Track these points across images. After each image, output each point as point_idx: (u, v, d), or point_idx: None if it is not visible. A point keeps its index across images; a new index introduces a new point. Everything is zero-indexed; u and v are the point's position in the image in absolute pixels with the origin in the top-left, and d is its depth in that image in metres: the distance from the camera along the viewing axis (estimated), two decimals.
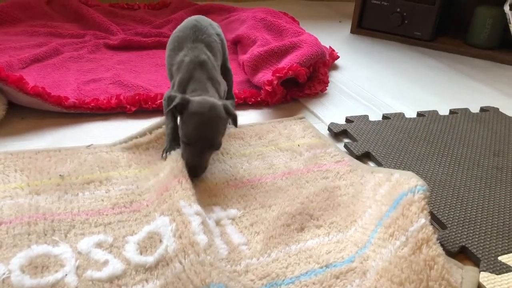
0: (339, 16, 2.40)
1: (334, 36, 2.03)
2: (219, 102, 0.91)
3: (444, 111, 1.38)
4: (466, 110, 1.39)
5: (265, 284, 0.71)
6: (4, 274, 0.69)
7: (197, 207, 0.80)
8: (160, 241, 0.77)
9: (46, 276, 0.70)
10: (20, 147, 1.03)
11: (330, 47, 1.72)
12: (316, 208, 0.87)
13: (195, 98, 0.91)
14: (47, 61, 1.44)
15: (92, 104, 1.18)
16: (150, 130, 1.06)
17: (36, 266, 0.71)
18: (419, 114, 1.34)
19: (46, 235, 0.78)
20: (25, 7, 1.82)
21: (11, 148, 1.02)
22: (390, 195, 0.83)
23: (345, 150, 1.12)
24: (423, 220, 0.74)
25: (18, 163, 0.94)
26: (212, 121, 0.89)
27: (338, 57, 1.70)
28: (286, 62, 1.33)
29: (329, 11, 2.53)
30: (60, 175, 0.92)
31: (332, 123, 1.22)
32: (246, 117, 1.25)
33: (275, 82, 1.27)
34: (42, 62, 1.43)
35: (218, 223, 0.83)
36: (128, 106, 1.21)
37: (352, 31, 2.12)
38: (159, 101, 1.23)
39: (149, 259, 0.74)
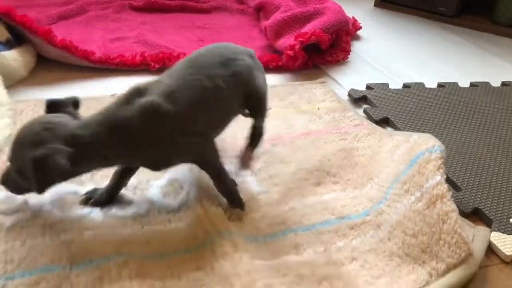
0: None
1: (357, 9, 2.02)
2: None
3: (464, 83, 1.38)
4: (487, 83, 1.38)
5: (282, 230, 0.74)
6: (35, 207, 0.73)
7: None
8: (181, 187, 0.80)
9: (74, 211, 0.74)
10: (48, 96, 1.05)
11: (353, 17, 1.72)
12: (334, 166, 0.89)
13: None
14: (73, 19, 1.47)
15: (118, 60, 1.20)
16: None
17: (66, 202, 0.75)
18: (439, 85, 1.34)
19: None
20: None
21: (39, 96, 1.05)
22: (408, 154, 0.85)
23: (364, 115, 1.13)
24: (438, 178, 0.76)
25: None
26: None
27: (360, 27, 1.70)
28: (309, 27, 1.34)
29: None
30: None
31: (352, 89, 1.23)
32: (268, 80, 1.25)
33: (297, 46, 1.28)
34: (68, 19, 1.46)
35: (236, 174, 0.85)
36: (152, 63, 1.23)
37: (376, 4, 2.10)
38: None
39: (172, 202, 0.77)
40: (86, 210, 0.74)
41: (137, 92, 0.69)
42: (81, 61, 1.17)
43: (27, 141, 0.63)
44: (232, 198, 0.76)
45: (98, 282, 0.63)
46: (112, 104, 0.69)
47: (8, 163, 0.67)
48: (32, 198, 0.74)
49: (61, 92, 1.08)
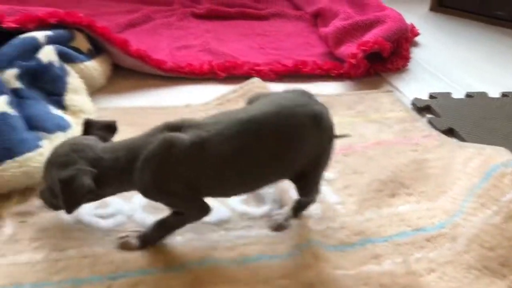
0: None
1: (412, 13, 2.01)
2: None
3: None
4: None
5: (360, 240, 0.77)
6: (128, 212, 0.79)
7: None
8: (263, 200, 0.84)
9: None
10: (126, 103, 1.12)
11: (411, 23, 1.71)
12: (406, 178, 0.91)
13: None
14: (140, 27, 1.53)
15: (187, 69, 1.26)
16: (241, 87, 1.15)
17: (154, 207, 0.80)
18: (504, 95, 1.33)
19: None
20: None
21: (118, 104, 1.11)
22: (481, 167, 0.86)
23: (428, 124, 1.14)
24: None
25: (126, 118, 1.03)
26: None
27: (418, 33, 1.69)
28: (371, 36, 1.35)
29: None
30: None
31: (415, 98, 1.24)
32: (329, 88, 1.29)
33: (360, 55, 1.29)
34: (135, 27, 1.53)
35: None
36: (219, 72, 1.28)
37: (432, 9, 2.09)
38: (246, 68, 1.30)
39: (254, 210, 0.81)
40: None
41: (168, 127, 0.69)
42: (154, 70, 1.23)
43: (56, 162, 0.67)
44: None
45: (191, 285, 0.67)
46: (143, 133, 0.71)
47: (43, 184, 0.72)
48: (125, 204, 0.80)
49: (136, 99, 1.15)
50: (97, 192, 0.66)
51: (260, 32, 1.61)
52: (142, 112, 1.06)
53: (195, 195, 0.69)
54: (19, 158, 0.79)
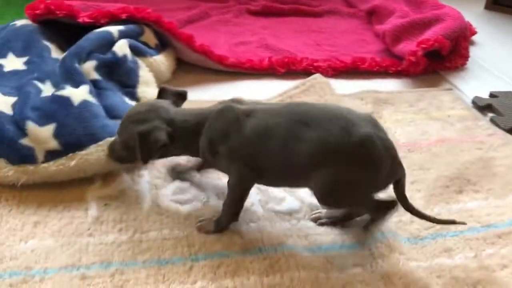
0: None
1: (467, 12, 1.95)
2: None
3: None
4: None
5: (431, 234, 0.78)
6: (204, 198, 0.82)
7: None
8: None
9: None
10: (190, 97, 1.16)
11: (468, 22, 1.69)
12: (473, 175, 0.91)
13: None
14: (198, 23, 1.57)
15: (248, 65, 1.29)
16: (303, 83, 1.16)
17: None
18: None
19: None
20: None
21: None
22: None
23: (492, 123, 1.13)
24: None
25: None
26: None
27: (475, 32, 1.67)
28: (431, 34, 1.35)
29: None
30: None
31: (476, 97, 1.23)
32: (387, 85, 1.30)
33: (420, 52, 1.29)
34: (194, 23, 1.57)
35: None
36: (278, 68, 1.30)
37: (487, 7, 2.04)
38: (304, 64, 1.32)
39: None
40: (247, 203, 0.81)
41: (232, 100, 0.77)
42: (216, 65, 1.26)
43: (134, 118, 0.75)
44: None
45: (270, 269, 0.70)
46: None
47: (115, 136, 0.79)
48: (199, 190, 0.84)
49: (199, 93, 1.18)
50: (169, 148, 0.74)
51: (315, 29, 1.62)
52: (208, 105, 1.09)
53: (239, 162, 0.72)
54: (102, 143, 0.84)
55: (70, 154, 0.83)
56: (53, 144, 0.83)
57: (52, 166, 0.82)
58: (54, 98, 0.89)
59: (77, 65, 0.96)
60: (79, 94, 0.90)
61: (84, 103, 0.89)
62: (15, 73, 0.98)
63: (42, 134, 0.83)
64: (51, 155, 0.83)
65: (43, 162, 0.82)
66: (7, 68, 0.99)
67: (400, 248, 0.73)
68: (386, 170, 0.68)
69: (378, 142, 0.67)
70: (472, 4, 2.11)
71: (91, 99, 0.90)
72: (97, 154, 0.83)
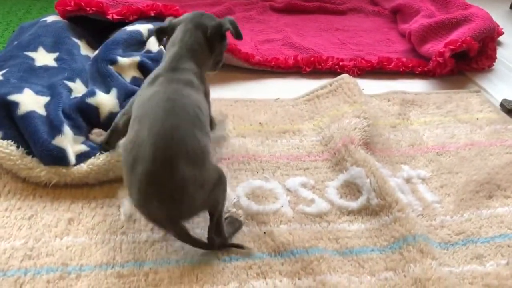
0: None
1: (492, 12, 1.93)
2: None
3: None
4: None
5: (461, 239, 0.78)
6: (234, 198, 0.83)
7: (387, 171, 0.90)
8: (359, 191, 0.86)
9: (267, 205, 0.82)
10: (216, 95, 1.16)
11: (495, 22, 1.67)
12: (503, 180, 0.90)
13: None
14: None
15: (273, 63, 1.29)
16: (331, 83, 1.16)
17: (258, 196, 0.84)
18: None
19: (258, 172, 0.90)
20: None
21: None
22: None
23: None
24: None
25: (221, 109, 1.07)
26: None
27: (502, 32, 1.64)
28: (458, 34, 1.33)
29: None
30: (259, 122, 1.04)
31: (504, 99, 1.21)
32: (413, 85, 1.29)
33: (447, 54, 1.28)
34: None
35: (408, 181, 0.90)
36: (304, 67, 1.30)
37: None
38: (330, 63, 1.31)
39: (352, 204, 0.83)
40: (277, 204, 0.82)
41: None
42: (242, 63, 1.26)
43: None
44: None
45: (302, 271, 0.70)
46: None
47: None
48: (229, 190, 0.84)
49: (225, 91, 1.18)
50: None
51: (339, 27, 1.61)
52: (235, 104, 1.10)
53: None
54: None
55: (98, 154, 0.85)
56: (82, 147, 0.87)
57: (84, 167, 0.83)
58: (84, 107, 0.92)
59: (110, 67, 0.97)
60: (107, 104, 0.93)
61: (110, 116, 0.91)
62: (46, 69, 0.98)
63: (73, 139, 0.87)
64: (81, 157, 0.85)
65: (74, 165, 0.84)
66: (38, 63, 0.99)
67: (433, 253, 0.72)
68: None
69: None
70: (497, 4, 2.08)
71: (117, 108, 0.92)
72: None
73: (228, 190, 0.83)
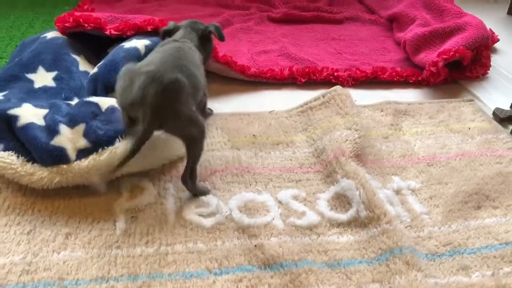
0: None
1: (489, 18, 1.94)
2: None
3: None
4: None
5: (448, 251, 0.79)
6: (226, 212, 0.85)
7: (376, 183, 0.91)
8: (349, 203, 0.87)
9: (259, 217, 0.84)
10: (213, 106, 1.19)
11: (490, 29, 1.68)
12: (492, 190, 0.91)
13: None
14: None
15: (269, 74, 1.31)
16: (324, 95, 1.17)
17: (249, 208, 0.86)
18: None
19: (251, 185, 0.92)
20: None
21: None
22: None
23: None
24: None
25: (217, 122, 1.10)
26: None
27: (498, 39, 1.66)
28: (452, 44, 1.35)
29: None
30: (253, 134, 1.06)
31: (497, 108, 1.22)
32: (407, 95, 1.31)
33: (440, 63, 1.30)
34: None
35: (398, 192, 0.91)
36: (299, 77, 1.32)
37: (510, 13, 2.02)
38: (325, 74, 1.34)
39: (341, 216, 0.85)
40: (268, 217, 0.84)
41: None
42: (238, 75, 1.29)
43: None
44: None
45: (290, 284, 0.72)
46: None
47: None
48: (222, 203, 0.86)
49: (221, 105, 1.20)
50: None
51: (335, 36, 1.63)
52: (230, 117, 1.12)
53: None
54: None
55: (100, 150, 0.87)
56: (83, 142, 0.88)
57: (84, 162, 0.86)
58: (83, 103, 0.94)
59: (108, 95, 1.01)
60: (107, 101, 0.95)
61: (111, 109, 0.93)
62: (45, 90, 1.02)
63: (73, 135, 0.88)
64: (82, 153, 0.87)
65: (75, 161, 0.86)
66: (37, 84, 1.03)
67: (419, 265, 0.74)
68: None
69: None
70: (494, 10, 2.09)
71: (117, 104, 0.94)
72: (123, 147, 0.87)
73: (221, 203, 0.87)
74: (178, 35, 1.00)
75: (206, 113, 1.09)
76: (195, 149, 0.85)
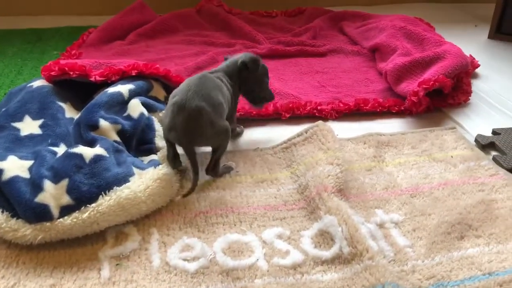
0: (474, 20, 2.34)
1: (469, 42, 2.00)
2: None
3: None
4: None
5: (432, 284, 0.80)
6: (211, 255, 0.85)
7: (359, 218, 0.92)
8: (332, 239, 0.88)
9: (243, 259, 0.85)
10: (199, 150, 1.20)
11: (470, 55, 1.72)
12: (475, 219, 0.92)
13: None
14: (207, 69, 1.62)
15: (254, 112, 1.33)
16: (306, 130, 1.19)
17: (234, 250, 0.87)
18: None
19: (235, 225, 0.93)
20: (180, 17, 2.06)
21: None
22: None
23: (494, 163, 1.14)
24: None
25: (203, 161, 1.11)
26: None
27: (478, 65, 1.69)
28: (432, 73, 1.38)
29: (463, 14, 2.47)
30: (237, 172, 1.07)
31: (479, 135, 1.24)
32: (390, 125, 1.33)
33: (421, 93, 1.32)
34: (203, 69, 1.62)
35: (381, 226, 0.92)
36: (283, 113, 1.34)
37: (490, 36, 2.07)
38: (308, 108, 1.36)
39: (325, 253, 0.86)
40: (252, 258, 0.85)
41: None
42: None
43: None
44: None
45: None
46: None
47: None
48: (206, 247, 0.87)
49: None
50: None
51: (319, 69, 1.66)
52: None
53: None
54: (110, 193, 0.90)
55: (82, 208, 0.88)
56: (66, 199, 0.88)
57: (67, 220, 0.86)
58: (67, 155, 0.95)
59: (92, 133, 1.02)
60: (90, 151, 0.96)
61: (95, 158, 0.94)
62: (31, 138, 1.04)
63: (56, 191, 0.89)
64: (66, 210, 0.88)
65: (58, 218, 0.87)
66: (23, 132, 1.05)
67: None
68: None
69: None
70: (476, 34, 2.14)
71: (104, 153, 0.96)
72: (106, 204, 0.88)
73: (205, 246, 0.87)
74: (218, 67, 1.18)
75: (236, 132, 1.24)
76: (220, 150, 1.04)
